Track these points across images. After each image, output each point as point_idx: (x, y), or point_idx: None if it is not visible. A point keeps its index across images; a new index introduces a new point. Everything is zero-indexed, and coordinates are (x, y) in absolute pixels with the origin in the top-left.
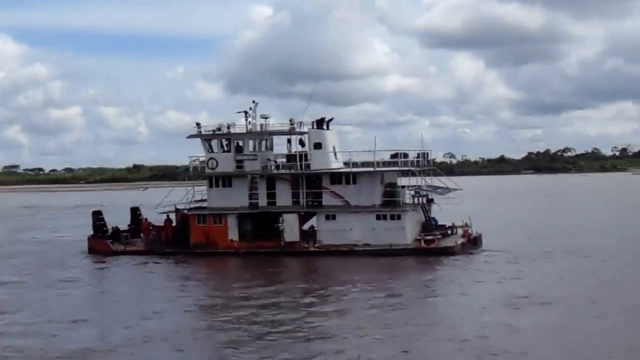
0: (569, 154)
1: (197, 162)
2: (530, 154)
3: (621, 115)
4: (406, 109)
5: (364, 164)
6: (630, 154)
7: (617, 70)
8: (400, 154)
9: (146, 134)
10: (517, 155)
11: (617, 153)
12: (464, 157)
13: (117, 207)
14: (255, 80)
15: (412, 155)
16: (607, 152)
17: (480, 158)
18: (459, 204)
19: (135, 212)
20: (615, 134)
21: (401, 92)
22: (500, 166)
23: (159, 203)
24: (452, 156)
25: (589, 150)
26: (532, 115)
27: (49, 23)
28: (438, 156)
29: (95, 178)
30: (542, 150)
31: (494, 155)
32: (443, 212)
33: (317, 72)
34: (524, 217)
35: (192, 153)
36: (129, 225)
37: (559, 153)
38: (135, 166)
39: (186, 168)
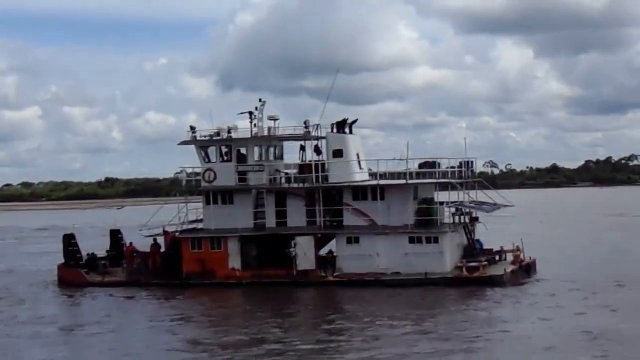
0: (635, 162)
1: (184, 174)
2: (588, 162)
3: None
4: (438, 108)
5: (393, 176)
6: None
7: None
8: (432, 163)
9: (121, 141)
10: (573, 164)
11: None
12: (509, 167)
13: (92, 230)
14: (253, 74)
15: (450, 165)
16: None
17: (527, 167)
18: (506, 223)
19: (115, 235)
20: None
21: (432, 87)
22: (552, 177)
23: (144, 224)
24: (494, 165)
25: None
26: (591, 115)
27: None
28: (477, 165)
29: (59, 195)
30: (602, 158)
31: (545, 164)
32: (489, 234)
33: (330, 64)
34: (586, 240)
35: (181, 164)
36: (107, 251)
37: (623, 161)
38: (107, 180)
39: (173, 180)
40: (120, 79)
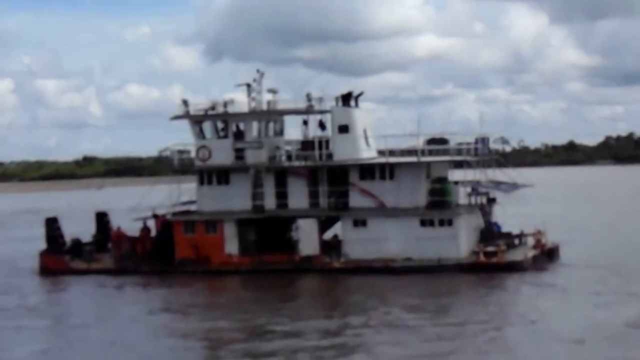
0: None
1: (172, 152)
2: (608, 138)
3: None
4: (444, 79)
5: (404, 153)
6: None
7: None
8: (439, 139)
9: (99, 116)
10: (592, 140)
11: None
12: (521, 143)
13: (75, 213)
14: (243, 43)
15: (466, 141)
16: None
17: (542, 144)
18: (523, 205)
19: (102, 218)
20: None
21: (437, 57)
22: (569, 155)
23: (134, 207)
24: (506, 142)
25: None
26: (611, 87)
27: None
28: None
29: (33, 175)
30: (623, 134)
31: (561, 140)
32: (507, 216)
33: (325, 32)
34: (611, 223)
35: (166, 141)
36: (93, 235)
37: None
38: (85, 158)
39: (157, 159)
40: (98, 49)
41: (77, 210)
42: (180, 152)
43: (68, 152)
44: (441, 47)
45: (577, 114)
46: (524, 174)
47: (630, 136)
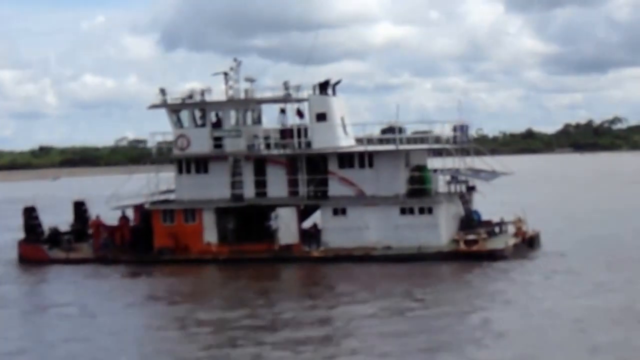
0: (619, 125)
1: (124, 141)
2: (567, 126)
3: None
4: (401, 67)
5: (382, 141)
6: None
7: None
8: (393, 128)
9: (55, 106)
10: (550, 128)
11: None
12: (479, 132)
13: (51, 202)
14: (199, 33)
15: (445, 129)
16: None
17: (500, 132)
18: (499, 193)
19: (79, 207)
20: None
21: (394, 45)
22: (527, 143)
23: (112, 195)
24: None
25: None
26: (569, 75)
27: None
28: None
29: None
30: (582, 122)
31: (519, 128)
32: (486, 204)
33: (281, 21)
34: (586, 210)
35: (123, 130)
36: (71, 225)
37: (605, 125)
38: (42, 148)
39: (114, 148)
40: (54, 39)
41: (59, 200)
42: (137, 141)
43: (24, 142)
44: (398, 36)
45: (535, 102)
46: (484, 163)
47: (589, 124)
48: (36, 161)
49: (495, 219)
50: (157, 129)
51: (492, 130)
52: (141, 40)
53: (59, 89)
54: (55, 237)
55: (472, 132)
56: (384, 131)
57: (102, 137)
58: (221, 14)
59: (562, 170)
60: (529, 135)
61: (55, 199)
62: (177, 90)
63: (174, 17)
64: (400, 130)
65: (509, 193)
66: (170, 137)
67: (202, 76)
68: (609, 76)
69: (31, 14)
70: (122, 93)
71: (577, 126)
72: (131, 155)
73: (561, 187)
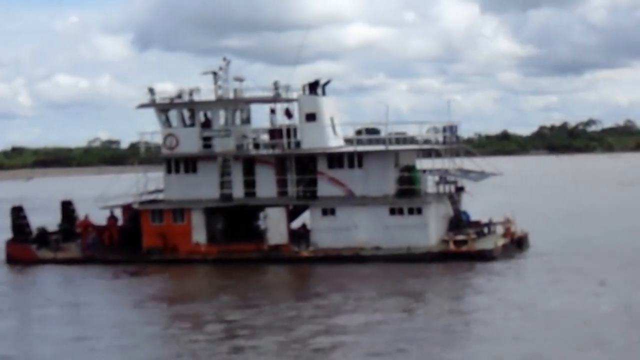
0: (594, 128)
1: (97, 141)
2: (542, 128)
3: None
4: (375, 69)
5: (372, 142)
6: None
7: None
8: (371, 129)
9: (28, 106)
10: (525, 130)
11: None
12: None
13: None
14: (172, 33)
15: (421, 130)
16: None
17: (475, 134)
18: (486, 193)
19: (67, 207)
20: None
21: (368, 46)
22: (502, 145)
23: (100, 195)
24: (438, 131)
25: (620, 123)
26: (544, 77)
27: None
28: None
29: None
30: (557, 124)
31: (494, 130)
32: (474, 204)
33: (255, 21)
34: (572, 210)
35: (96, 130)
36: (59, 225)
37: (580, 127)
38: (14, 149)
39: (86, 149)
40: (27, 39)
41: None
42: (110, 142)
43: None
44: (372, 37)
45: (510, 104)
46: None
47: (564, 126)
48: (9, 162)
49: (484, 219)
50: (131, 130)
51: (467, 131)
52: (115, 40)
53: (32, 89)
54: (43, 237)
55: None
56: (358, 132)
57: (75, 137)
58: (195, 14)
59: (541, 172)
60: (504, 137)
61: (30, 199)
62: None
63: (147, 17)
64: (375, 131)
65: (492, 194)
66: (149, 137)
67: (176, 76)
68: (584, 78)
69: (3, 14)
70: (96, 93)
71: (552, 128)
72: (104, 156)
73: (542, 188)
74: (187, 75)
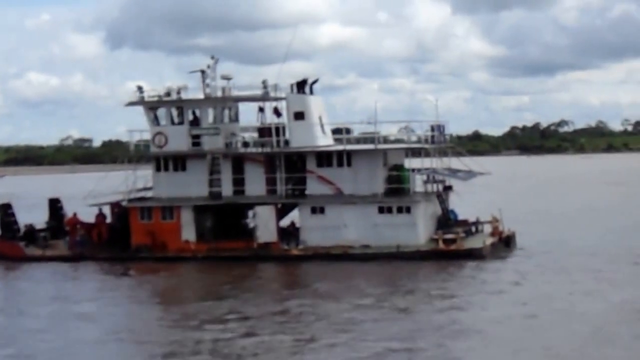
0: (566, 128)
1: (69, 139)
2: (513, 128)
3: (633, 78)
4: (347, 68)
5: (360, 140)
6: None
7: (628, 18)
8: (341, 129)
9: None
10: (497, 130)
11: (629, 128)
12: (425, 133)
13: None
14: (144, 31)
15: (423, 128)
16: (615, 126)
17: (447, 134)
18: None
19: (55, 204)
20: (625, 102)
21: (340, 46)
22: (474, 145)
23: (89, 193)
24: (411, 131)
25: (592, 124)
26: (516, 77)
27: None
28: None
29: None
30: (529, 124)
31: (466, 130)
32: (462, 203)
33: (226, 20)
34: (558, 209)
35: (68, 128)
36: (47, 222)
37: (551, 128)
38: None
39: (58, 147)
40: None
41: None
42: (82, 140)
43: None
44: (344, 36)
45: (482, 104)
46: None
47: (535, 126)
48: None
49: (471, 218)
50: (105, 129)
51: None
52: (86, 38)
53: (3, 87)
54: (31, 234)
55: (419, 133)
56: (334, 131)
57: (47, 135)
58: (166, 12)
59: (519, 172)
60: (476, 137)
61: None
62: (123, 90)
63: (119, 16)
64: (348, 131)
65: (476, 193)
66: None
67: (148, 75)
68: (555, 79)
69: None
70: (68, 91)
71: (524, 129)
72: (76, 154)
73: (520, 188)
74: (158, 74)
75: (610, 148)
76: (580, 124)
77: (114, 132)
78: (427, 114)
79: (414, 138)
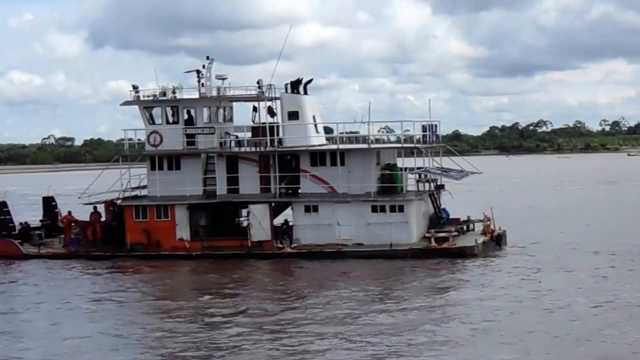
0: (544, 128)
1: (52, 138)
2: (493, 128)
3: (611, 79)
4: (328, 68)
5: (352, 140)
6: (624, 129)
7: (607, 20)
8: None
9: None
10: (476, 130)
11: (607, 128)
12: (406, 133)
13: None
14: (126, 31)
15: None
16: (593, 126)
17: (417, 134)
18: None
19: (49, 203)
20: (603, 102)
21: (321, 46)
22: (453, 144)
23: (84, 191)
24: (390, 131)
25: (570, 124)
26: (495, 78)
27: None
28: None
29: None
30: (508, 124)
31: (446, 130)
32: (450, 202)
33: (208, 20)
34: (545, 207)
35: (50, 127)
36: (41, 220)
37: (530, 128)
38: None
39: (40, 146)
40: None
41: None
42: (64, 139)
43: None
44: (325, 37)
45: (461, 104)
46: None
47: (514, 126)
48: None
49: (462, 217)
50: (87, 128)
51: (418, 131)
52: (69, 38)
53: None
54: (26, 232)
55: (399, 133)
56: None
57: (29, 134)
58: (149, 12)
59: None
60: (456, 137)
61: None
62: (105, 90)
63: (101, 16)
64: (329, 130)
65: (465, 193)
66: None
67: (130, 74)
68: (534, 80)
69: None
70: (50, 91)
71: (503, 129)
72: (58, 153)
73: (505, 187)
74: (141, 74)
75: (588, 148)
76: (558, 124)
77: (96, 131)
78: (406, 114)
79: (392, 138)
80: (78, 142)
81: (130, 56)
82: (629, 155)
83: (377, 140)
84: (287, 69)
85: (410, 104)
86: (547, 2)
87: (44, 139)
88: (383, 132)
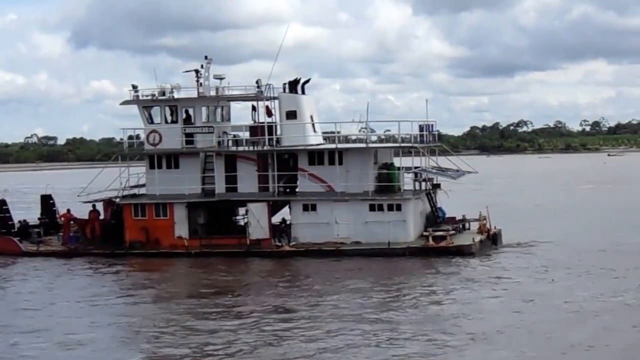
0: (525, 129)
1: (34, 138)
2: (473, 128)
3: (591, 79)
4: (309, 68)
5: (349, 139)
6: (604, 129)
7: (587, 20)
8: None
9: None
10: (456, 130)
11: (587, 128)
12: (386, 132)
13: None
14: (109, 31)
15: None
16: (573, 126)
17: (407, 134)
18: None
19: (47, 201)
20: (583, 103)
21: (303, 46)
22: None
23: (83, 189)
24: (372, 130)
25: (550, 124)
26: (475, 78)
27: None
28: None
29: None
30: (489, 124)
31: None
32: (445, 201)
33: (191, 20)
34: (538, 206)
35: (33, 127)
36: (39, 218)
37: (511, 128)
38: None
39: (23, 145)
40: None
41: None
42: (47, 138)
43: None
44: (306, 37)
45: (443, 104)
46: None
47: (495, 126)
48: None
49: (458, 215)
50: (69, 127)
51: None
52: (52, 37)
53: None
54: (25, 230)
55: (379, 133)
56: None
57: (12, 133)
58: (131, 12)
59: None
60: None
61: None
62: (88, 89)
63: (84, 15)
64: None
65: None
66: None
67: (113, 74)
68: (515, 80)
69: None
70: (33, 90)
71: (484, 129)
72: (41, 153)
73: (496, 186)
74: (123, 73)
75: (568, 148)
76: (539, 124)
77: (79, 130)
78: (387, 114)
79: (374, 138)
80: (61, 141)
81: (113, 56)
82: (609, 155)
83: (347, 140)
84: (267, 68)
85: (391, 104)
86: (528, 2)
87: (26, 137)
88: (364, 132)
